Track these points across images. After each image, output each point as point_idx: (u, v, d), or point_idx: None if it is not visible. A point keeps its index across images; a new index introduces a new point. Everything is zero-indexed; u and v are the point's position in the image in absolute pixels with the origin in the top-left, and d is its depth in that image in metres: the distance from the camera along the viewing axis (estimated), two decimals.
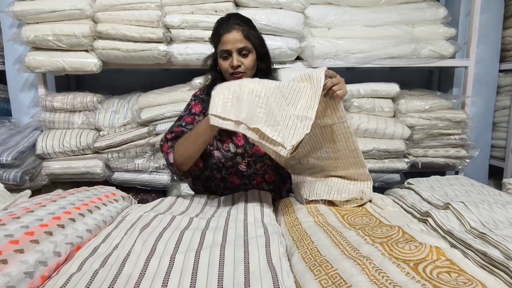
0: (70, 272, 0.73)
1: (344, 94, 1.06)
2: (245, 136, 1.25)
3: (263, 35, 1.31)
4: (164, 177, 2.12)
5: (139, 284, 0.67)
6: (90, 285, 0.67)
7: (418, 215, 1.05)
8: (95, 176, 2.05)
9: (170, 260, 0.74)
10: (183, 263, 0.73)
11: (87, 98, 2.08)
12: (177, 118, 1.32)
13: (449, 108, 2.19)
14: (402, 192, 1.25)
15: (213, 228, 0.93)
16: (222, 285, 0.66)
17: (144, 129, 2.05)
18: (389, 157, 2.15)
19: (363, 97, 2.17)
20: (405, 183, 1.37)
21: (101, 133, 2.10)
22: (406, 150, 2.13)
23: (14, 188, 1.80)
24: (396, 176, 2.18)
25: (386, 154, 2.12)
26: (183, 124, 1.26)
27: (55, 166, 2.03)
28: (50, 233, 0.83)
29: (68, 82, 2.46)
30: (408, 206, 1.13)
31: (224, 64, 1.21)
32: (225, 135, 1.27)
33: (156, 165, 2.08)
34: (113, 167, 2.10)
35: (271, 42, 2.02)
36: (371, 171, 2.14)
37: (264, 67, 1.28)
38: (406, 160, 2.15)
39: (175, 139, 1.23)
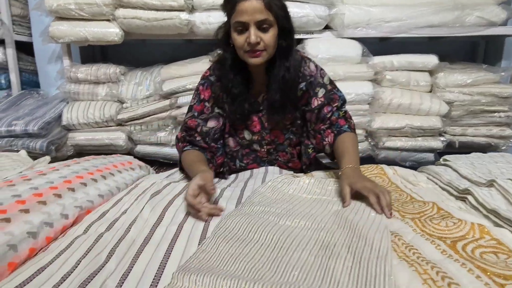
0: (76, 234, 0.71)
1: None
2: (261, 121, 1.14)
3: (287, 2, 1.05)
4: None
5: (143, 250, 0.62)
6: (92, 247, 0.64)
7: (455, 193, 0.94)
8: (118, 148, 2.06)
9: (178, 228, 0.70)
10: (191, 231, 0.69)
11: (111, 69, 2.07)
12: (188, 107, 1.19)
13: (495, 83, 1.97)
14: (437, 169, 1.13)
15: (226, 197, 0.88)
16: None
17: (166, 102, 2.02)
18: (423, 135, 1.99)
19: (397, 70, 2.00)
20: (441, 160, 1.24)
21: (124, 105, 2.09)
22: (443, 128, 1.95)
23: (40, 157, 1.84)
24: (430, 156, 2.02)
25: (420, 131, 1.96)
26: (196, 114, 1.13)
27: (80, 138, 2.05)
28: (59, 196, 0.81)
29: (93, 54, 2.46)
30: (444, 184, 1.01)
31: (239, 39, 0.97)
32: (239, 122, 1.14)
33: None
34: (136, 140, 2.10)
35: (297, 10, 1.89)
36: (402, 149, 2.00)
37: (285, 45, 1.02)
38: (442, 138, 1.99)
39: (188, 136, 1.14)
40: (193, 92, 1.95)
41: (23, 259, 0.62)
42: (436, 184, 1.04)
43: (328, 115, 1.09)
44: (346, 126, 1.09)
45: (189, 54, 2.18)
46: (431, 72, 2.02)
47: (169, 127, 2.07)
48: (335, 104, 1.10)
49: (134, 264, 0.58)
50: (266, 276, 0.51)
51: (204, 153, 1.11)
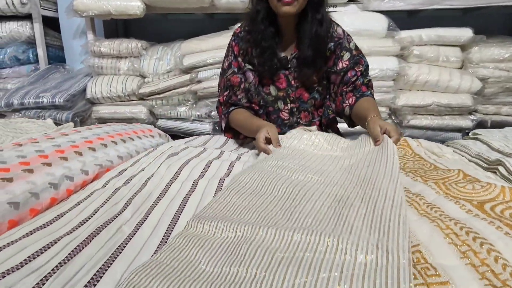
0: (95, 188, 0.72)
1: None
2: (287, 79, 1.13)
3: None
4: (206, 126, 2.10)
5: (158, 202, 0.63)
6: (110, 199, 0.65)
7: (484, 165, 0.89)
8: (140, 122, 2.09)
9: (193, 185, 0.70)
10: (205, 188, 0.68)
11: (132, 44, 2.08)
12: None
13: None
14: (465, 143, 1.07)
15: (243, 161, 0.87)
16: None
17: (187, 76, 2.02)
18: (451, 113, 1.89)
19: (425, 45, 1.90)
20: (470, 134, 1.18)
21: (145, 79, 2.11)
22: (473, 106, 1.86)
23: None
24: (457, 136, 1.93)
25: (448, 110, 1.87)
26: (236, 70, 1.13)
27: (103, 111, 2.10)
28: (80, 154, 0.83)
29: (116, 29, 2.49)
30: (472, 156, 0.96)
31: None
32: (266, 77, 1.14)
33: (198, 113, 2.06)
34: (157, 114, 2.13)
35: None
36: (427, 128, 1.92)
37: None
38: (472, 117, 1.89)
39: (232, 95, 1.14)
40: (212, 66, 1.97)
41: (45, 207, 0.64)
42: (463, 156, 0.99)
43: (352, 79, 1.09)
44: (368, 92, 1.10)
45: (210, 30, 2.16)
46: (463, 47, 1.91)
47: (189, 102, 2.08)
48: (360, 69, 1.10)
49: (149, 214, 0.59)
50: (279, 223, 0.51)
51: (248, 110, 1.14)
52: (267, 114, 1.20)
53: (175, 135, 2.17)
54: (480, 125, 1.91)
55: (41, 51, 2.24)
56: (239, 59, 1.14)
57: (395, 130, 0.82)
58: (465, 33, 1.85)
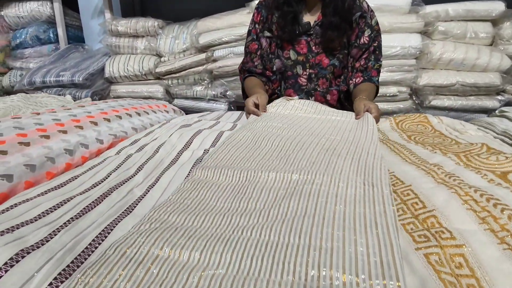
0: (108, 155, 0.73)
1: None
2: (308, 44, 1.13)
3: None
4: (221, 106, 2.10)
5: (168, 168, 0.63)
6: (121, 164, 0.66)
7: (511, 141, 0.84)
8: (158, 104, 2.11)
9: (204, 153, 0.70)
10: None
11: (149, 23, 2.08)
12: (247, 33, 1.24)
13: None
14: (490, 120, 1.02)
15: None
16: None
17: (202, 55, 2.01)
18: (477, 93, 1.80)
19: (451, 20, 1.80)
20: (497, 111, 1.12)
21: (162, 59, 2.11)
22: (502, 86, 1.76)
23: None
24: (483, 117, 1.84)
25: (473, 89, 1.78)
26: (255, 37, 1.18)
27: (121, 90, 2.13)
28: (96, 123, 0.84)
29: (133, 8, 2.48)
30: (498, 134, 0.91)
31: None
32: (286, 41, 1.15)
33: (214, 93, 2.05)
34: (173, 94, 2.13)
35: None
36: (450, 108, 1.84)
37: None
38: (500, 97, 1.79)
39: (248, 61, 1.19)
40: (227, 44, 1.95)
41: (60, 171, 0.66)
42: (488, 133, 0.94)
43: (366, 60, 1.13)
44: (376, 78, 1.15)
45: (226, 8, 2.12)
46: (495, 22, 1.79)
47: (205, 81, 2.07)
48: (374, 50, 1.13)
49: (159, 178, 0.59)
50: (278, 167, 0.57)
51: (260, 78, 1.19)
52: (285, 79, 1.20)
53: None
54: (509, 105, 1.82)
55: (60, 31, 2.27)
56: (258, 26, 1.17)
57: (376, 109, 0.92)
58: (497, 6, 1.73)
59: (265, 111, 0.97)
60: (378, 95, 1.83)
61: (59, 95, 1.94)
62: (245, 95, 1.24)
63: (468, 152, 0.65)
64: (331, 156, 0.60)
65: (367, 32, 1.12)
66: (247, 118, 0.99)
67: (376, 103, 1.94)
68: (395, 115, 1.52)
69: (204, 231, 0.41)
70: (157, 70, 2.06)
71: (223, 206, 0.46)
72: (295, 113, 0.96)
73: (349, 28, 1.11)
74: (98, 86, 2.06)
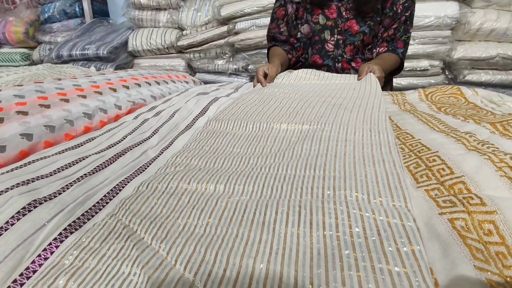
0: (125, 120, 0.73)
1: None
2: (339, 10, 1.08)
3: None
4: (243, 80, 2.07)
5: (183, 133, 0.62)
6: (137, 128, 0.65)
7: None
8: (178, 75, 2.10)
9: None
10: None
11: None
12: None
13: None
14: None
15: None
16: None
17: (224, 28, 1.96)
18: None
19: None
20: None
21: (184, 32, 2.09)
22: None
23: None
24: None
25: None
26: (282, 3, 1.16)
27: (144, 64, 2.14)
28: (115, 90, 0.84)
29: None
30: None
31: None
32: (316, 4, 1.10)
33: (235, 67, 2.02)
34: (195, 68, 2.12)
35: None
36: (487, 84, 1.71)
37: None
38: None
39: (274, 28, 1.18)
40: (249, 16, 1.90)
41: (79, 134, 0.66)
42: None
43: (395, 30, 1.08)
44: (401, 50, 1.09)
45: None
46: None
47: (227, 55, 2.03)
48: (406, 20, 1.07)
49: (174, 141, 0.58)
50: (288, 120, 0.61)
51: (284, 46, 1.18)
52: (312, 45, 1.16)
53: None
54: None
55: (86, 5, 2.29)
56: None
57: (379, 69, 0.93)
58: None
59: (270, 82, 0.98)
60: (406, 69, 1.74)
61: (88, 68, 1.99)
62: None
63: (506, 122, 0.60)
64: (338, 109, 0.65)
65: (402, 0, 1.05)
66: (253, 86, 1.01)
67: (405, 77, 1.85)
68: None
69: (225, 170, 0.45)
70: (179, 43, 2.04)
71: (240, 151, 0.50)
72: (299, 82, 0.99)
73: None
74: (122, 59, 2.08)
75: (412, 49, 1.73)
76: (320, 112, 0.64)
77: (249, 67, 2.00)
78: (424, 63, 1.75)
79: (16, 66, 1.89)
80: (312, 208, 0.35)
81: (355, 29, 1.08)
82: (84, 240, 0.34)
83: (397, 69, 1.14)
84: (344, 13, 1.08)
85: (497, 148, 0.45)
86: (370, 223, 0.32)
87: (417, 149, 0.49)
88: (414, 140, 0.53)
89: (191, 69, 2.15)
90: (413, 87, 1.80)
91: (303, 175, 0.42)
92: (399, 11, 1.04)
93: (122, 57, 2.09)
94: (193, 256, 0.30)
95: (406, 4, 1.05)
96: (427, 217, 0.34)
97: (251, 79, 2.05)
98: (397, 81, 1.83)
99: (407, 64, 1.76)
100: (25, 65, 2.22)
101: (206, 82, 2.12)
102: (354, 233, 0.31)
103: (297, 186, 0.39)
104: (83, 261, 0.31)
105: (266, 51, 1.28)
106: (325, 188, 0.38)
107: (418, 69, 1.76)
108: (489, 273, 0.26)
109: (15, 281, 0.29)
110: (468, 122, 0.62)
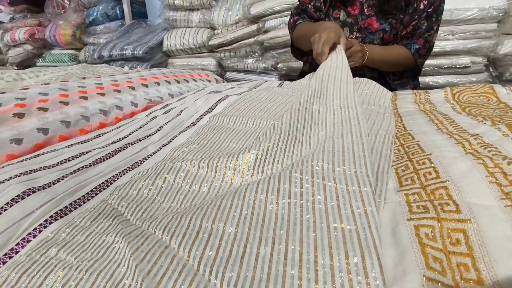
0: (138, 117, 0.77)
1: (358, 64, 0.94)
2: (361, 6, 1.04)
3: None
4: (272, 79, 2.07)
5: (186, 130, 0.64)
6: (146, 124, 0.69)
7: None
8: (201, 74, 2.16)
9: None
10: None
11: None
12: None
13: None
14: None
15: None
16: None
17: (254, 26, 1.98)
18: None
19: None
20: None
21: (215, 31, 2.13)
22: None
23: None
24: None
25: None
26: None
27: (177, 63, 2.22)
28: (133, 88, 0.89)
29: None
30: None
31: None
32: (339, 0, 1.06)
33: (265, 65, 2.03)
34: (225, 66, 2.16)
35: None
36: None
37: None
38: None
39: (301, 11, 1.12)
40: (279, 14, 1.89)
41: (94, 129, 0.71)
42: None
43: (414, 27, 1.00)
44: (417, 47, 1.00)
45: None
46: None
47: (256, 53, 2.04)
48: (429, 16, 0.98)
49: (174, 138, 0.60)
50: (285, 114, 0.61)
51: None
52: None
53: None
54: None
55: (126, 7, 2.42)
56: None
57: (358, 43, 0.91)
58: None
59: (344, 50, 0.82)
60: (444, 66, 1.63)
61: (122, 67, 2.11)
62: (295, 49, 1.17)
63: None
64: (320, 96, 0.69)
65: None
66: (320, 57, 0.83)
67: (443, 75, 1.72)
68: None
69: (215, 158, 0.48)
70: (210, 42, 2.09)
71: (236, 145, 0.53)
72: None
73: None
74: (157, 59, 2.18)
75: (451, 44, 1.62)
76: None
77: (278, 66, 1.99)
78: (464, 60, 1.62)
79: (67, 66, 2.06)
80: (280, 177, 0.37)
81: (375, 26, 1.03)
82: (75, 220, 0.38)
83: (413, 70, 1.06)
84: (366, 10, 1.04)
85: (499, 152, 0.42)
86: (331, 191, 0.35)
87: (411, 151, 0.46)
88: (413, 142, 0.50)
89: (222, 68, 2.19)
90: (452, 86, 1.68)
91: (279, 148, 0.47)
92: (421, 7, 0.98)
93: (157, 57, 2.18)
94: (170, 223, 0.34)
95: (431, 3, 0.97)
96: (395, 222, 0.32)
97: (280, 77, 2.04)
98: (434, 79, 1.72)
99: (445, 61, 1.65)
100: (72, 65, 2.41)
101: (235, 81, 2.16)
102: (316, 200, 0.34)
103: (270, 159, 0.44)
104: (73, 236, 0.36)
105: (289, 31, 1.15)
106: (293, 159, 0.44)
107: (457, 66, 1.64)
108: (439, 284, 0.25)
109: None
110: (484, 123, 0.58)
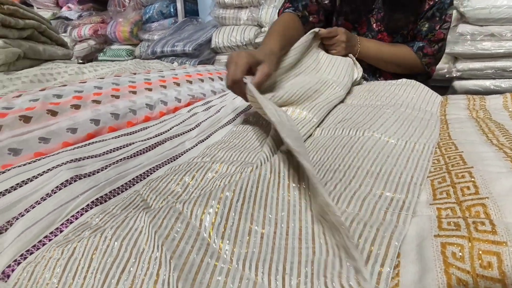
0: (181, 112, 0.81)
1: (341, 54, 0.87)
2: (369, 22, 0.96)
3: None
4: None
5: (223, 127, 0.66)
6: (186, 120, 0.72)
7: None
8: None
9: None
10: None
11: None
12: None
13: None
14: None
15: None
16: None
17: None
18: None
19: None
20: None
21: (262, 29, 2.15)
22: None
23: None
24: None
25: None
26: None
27: (224, 60, 2.26)
28: (178, 84, 0.93)
29: None
30: None
31: None
32: (349, 20, 0.98)
33: None
34: None
35: None
36: None
37: None
38: None
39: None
40: None
41: (140, 122, 0.76)
42: None
43: (416, 30, 0.93)
44: (421, 45, 0.92)
45: None
46: None
47: None
48: (435, 15, 0.90)
49: (211, 135, 0.63)
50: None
51: (303, 20, 0.93)
52: None
53: None
54: None
55: (179, 5, 2.53)
56: None
57: (342, 32, 0.86)
58: None
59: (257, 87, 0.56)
60: (509, 69, 1.48)
61: (172, 63, 2.21)
62: None
63: None
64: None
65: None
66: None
67: (507, 79, 1.57)
68: None
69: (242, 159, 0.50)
70: (257, 40, 2.11)
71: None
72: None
73: (419, 4, 0.90)
74: (205, 56, 2.25)
75: (494, 46, 1.47)
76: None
77: None
78: None
79: (122, 61, 2.21)
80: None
81: (387, 40, 0.96)
82: (110, 207, 0.41)
83: (426, 74, 0.97)
84: (374, 25, 0.96)
85: None
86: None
87: (452, 163, 0.43)
88: (455, 152, 0.47)
89: None
90: (500, 92, 1.52)
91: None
92: (425, 8, 0.90)
93: (205, 54, 2.25)
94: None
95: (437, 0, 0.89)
96: (422, 237, 0.31)
97: None
98: (496, 83, 1.57)
99: (510, 64, 1.50)
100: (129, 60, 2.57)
101: None
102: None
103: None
104: (105, 222, 0.38)
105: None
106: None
107: (508, 69, 1.49)
108: None
109: (46, 236, 0.37)
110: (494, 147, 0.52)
